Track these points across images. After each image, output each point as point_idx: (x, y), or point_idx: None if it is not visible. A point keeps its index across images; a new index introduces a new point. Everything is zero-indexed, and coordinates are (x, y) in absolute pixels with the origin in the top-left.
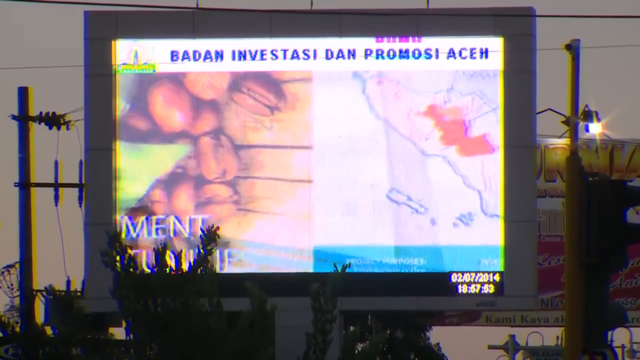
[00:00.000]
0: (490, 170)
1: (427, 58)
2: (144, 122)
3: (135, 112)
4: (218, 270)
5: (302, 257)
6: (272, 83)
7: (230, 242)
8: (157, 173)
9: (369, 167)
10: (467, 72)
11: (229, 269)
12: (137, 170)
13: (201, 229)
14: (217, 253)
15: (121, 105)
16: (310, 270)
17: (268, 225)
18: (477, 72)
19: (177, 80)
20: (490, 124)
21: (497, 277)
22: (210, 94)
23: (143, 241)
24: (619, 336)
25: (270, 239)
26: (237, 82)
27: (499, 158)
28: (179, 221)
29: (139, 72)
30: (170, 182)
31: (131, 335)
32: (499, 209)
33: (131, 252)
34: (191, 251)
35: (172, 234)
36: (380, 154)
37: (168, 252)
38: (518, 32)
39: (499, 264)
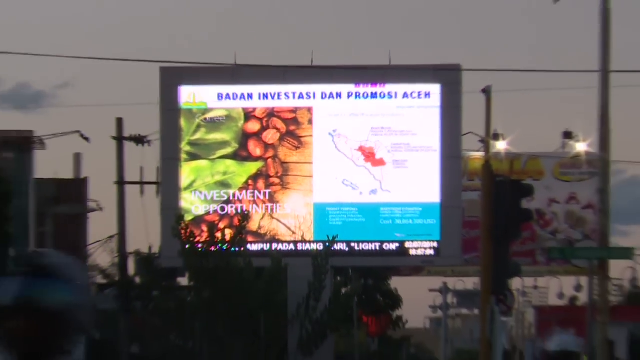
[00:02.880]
0: (385, 172)
1: (389, 98)
2: (244, 153)
3: (240, 150)
4: (275, 212)
5: (308, 210)
6: (293, 135)
7: (283, 199)
8: (249, 173)
9: (335, 170)
10: (375, 128)
11: (276, 214)
12: (241, 172)
13: (238, 212)
14: (273, 206)
15: (234, 147)
16: (309, 217)
17: (295, 194)
18: (393, 129)
19: (262, 137)
20: (389, 149)
21: (435, 244)
22: (271, 141)
23: (244, 200)
24: (516, 283)
25: (294, 200)
26: (283, 137)
27: (388, 168)
28: (259, 192)
29: (194, 112)
30: (255, 176)
31: (191, 283)
32: (391, 187)
33: (187, 225)
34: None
35: (255, 198)
36: (339, 165)
37: (217, 227)
38: (450, 80)
39: (415, 214)
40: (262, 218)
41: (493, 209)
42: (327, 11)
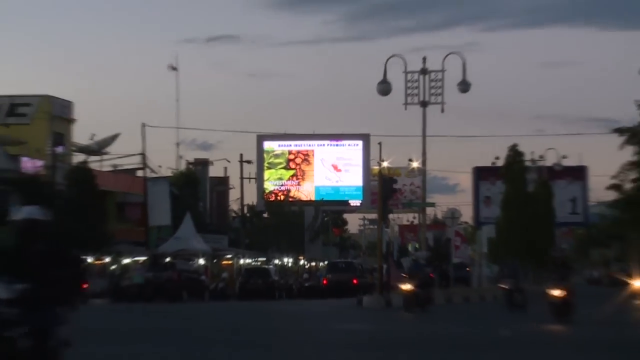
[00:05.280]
0: (342, 175)
1: (343, 146)
2: (288, 167)
3: (286, 166)
4: (299, 190)
5: (312, 188)
6: (306, 160)
7: (303, 184)
8: (290, 174)
9: (323, 173)
10: (338, 157)
11: (300, 190)
12: (287, 174)
13: (286, 189)
14: (299, 187)
15: (284, 164)
16: (313, 191)
17: (307, 182)
18: (344, 158)
19: (294, 161)
20: (343, 165)
21: (361, 201)
22: (299, 163)
23: (288, 185)
24: (392, 217)
25: (307, 185)
26: (302, 161)
27: (343, 172)
28: (293, 182)
29: (269, 151)
30: (292, 176)
31: (268, 217)
32: (344, 180)
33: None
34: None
35: (292, 184)
36: (324, 172)
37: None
38: (365, 139)
39: (353, 190)
40: (295, 192)
41: (382, 188)
42: (320, 101)
